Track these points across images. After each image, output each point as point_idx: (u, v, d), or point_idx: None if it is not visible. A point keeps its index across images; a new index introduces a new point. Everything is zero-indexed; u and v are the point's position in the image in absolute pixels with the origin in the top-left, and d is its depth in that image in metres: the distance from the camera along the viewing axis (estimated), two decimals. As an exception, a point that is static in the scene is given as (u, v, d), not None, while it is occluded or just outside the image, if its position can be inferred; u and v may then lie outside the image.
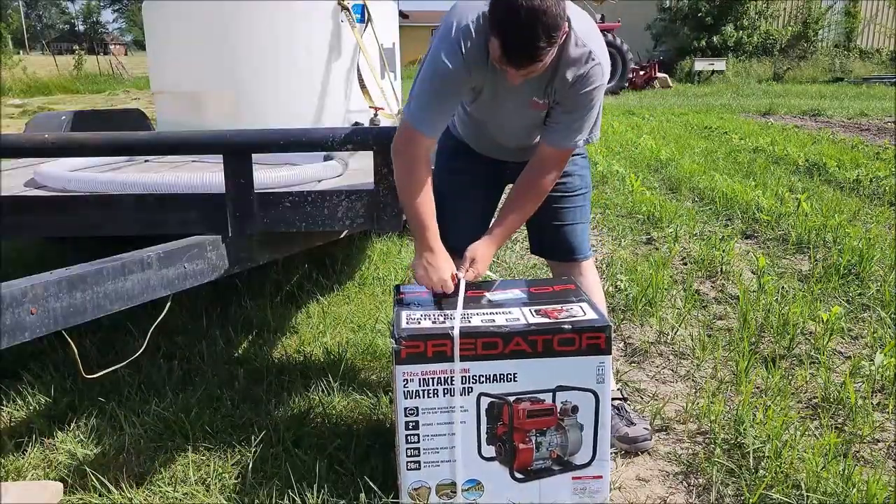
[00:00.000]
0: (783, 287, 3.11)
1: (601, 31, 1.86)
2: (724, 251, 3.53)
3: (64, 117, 3.52)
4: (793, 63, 22.64)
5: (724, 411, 2.06)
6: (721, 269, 3.40)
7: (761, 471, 1.76)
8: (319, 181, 2.24)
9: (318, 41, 3.02)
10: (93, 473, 1.75)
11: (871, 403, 2.08)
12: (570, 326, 1.51)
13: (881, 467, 1.80)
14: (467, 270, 1.78)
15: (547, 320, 1.54)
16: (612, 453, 1.78)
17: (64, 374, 2.30)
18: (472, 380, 1.51)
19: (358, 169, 2.45)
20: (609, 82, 1.84)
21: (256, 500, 1.66)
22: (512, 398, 1.53)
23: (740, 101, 13.90)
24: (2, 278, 1.43)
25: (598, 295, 2.09)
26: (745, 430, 1.91)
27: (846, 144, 7.40)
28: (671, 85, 19.02)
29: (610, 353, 1.54)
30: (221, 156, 1.85)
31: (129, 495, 1.70)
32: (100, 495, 1.70)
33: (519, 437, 1.55)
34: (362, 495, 1.61)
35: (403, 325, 1.53)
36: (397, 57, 3.74)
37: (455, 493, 1.57)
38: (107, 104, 13.92)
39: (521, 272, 3.45)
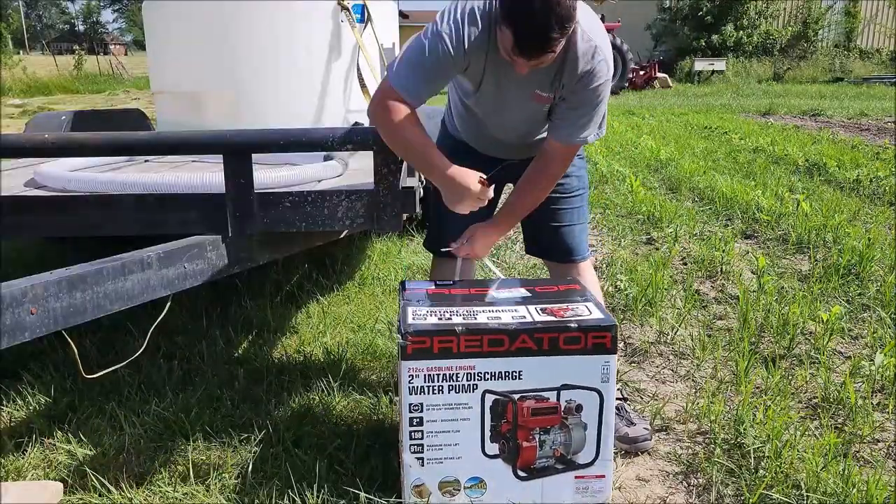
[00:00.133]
0: (783, 287, 3.11)
1: None
2: (724, 251, 3.53)
3: (64, 117, 3.52)
4: (793, 63, 22.65)
5: (724, 411, 2.05)
6: (721, 269, 3.40)
7: (761, 471, 1.76)
8: (319, 181, 2.24)
9: (318, 41, 3.01)
10: (93, 473, 1.75)
11: (871, 403, 2.08)
12: (576, 325, 1.51)
13: (881, 467, 1.80)
14: (462, 245, 1.80)
15: (553, 318, 1.54)
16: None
17: (64, 374, 2.30)
18: (477, 376, 1.51)
19: (358, 169, 2.45)
20: None
21: (256, 500, 1.66)
22: (516, 396, 1.53)
23: (740, 101, 13.91)
24: (2, 278, 1.43)
25: (597, 295, 2.09)
26: (745, 430, 1.91)
27: (846, 144, 7.40)
28: (671, 85, 19.04)
29: (615, 353, 1.54)
30: (221, 156, 1.84)
31: (129, 495, 1.69)
32: (100, 495, 1.70)
33: (523, 434, 1.55)
34: (362, 495, 1.61)
35: (410, 320, 1.53)
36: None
37: (458, 490, 1.57)
38: (107, 104, 13.92)
39: (522, 272, 3.45)
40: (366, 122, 3.06)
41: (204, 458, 1.85)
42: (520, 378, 1.52)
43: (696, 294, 3.08)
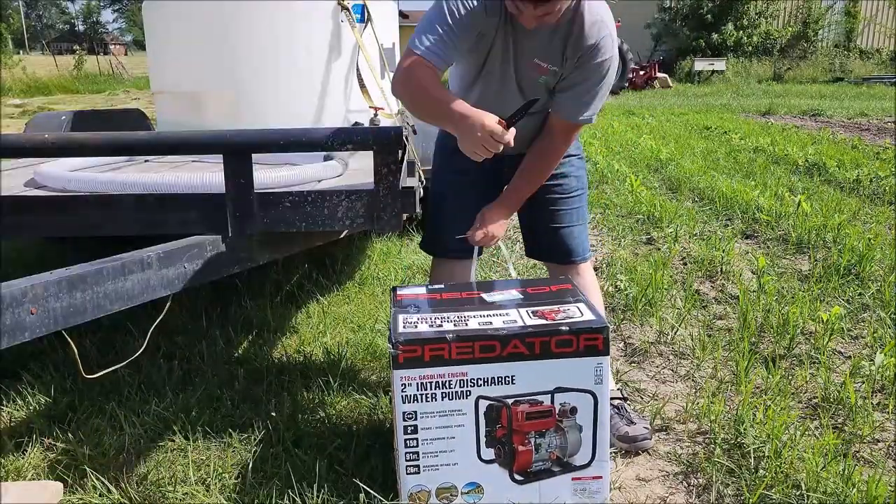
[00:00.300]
0: (783, 287, 3.11)
1: None
2: (724, 251, 3.53)
3: (64, 117, 3.52)
4: (793, 63, 22.65)
5: (724, 411, 2.05)
6: (721, 269, 3.40)
7: (761, 471, 1.76)
8: (319, 181, 2.24)
9: (318, 41, 3.01)
10: (93, 473, 1.75)
11: (871, 403, 2.08)
12: (567, 328, 1.50)
13: (881, 467, 1.80)
14: (476, 230, 1.83)
15: (544, 322, 1.53)
16: (611, 453, 1.78)
17: (64, 374, 2.30)
18: (470, 383, 1.51)
19: (358, 169, 2.45)
20: None
21: (256, 500, 1.66)
22: (510, 400, 1.53)
23: (740, 101, 13.91)
24: (2, 278, 1.43)
25: (595, 296, 2.09)
26: (745, 430, 1.91)
27: (846, 144, 7.40)
28: (671, 85, 19.04)
29: (608, 354, 1.53)
30: (221, 156, 1.85)
31: (129, 495, 1.69)
32: (100, 495, 1.70)
33: (518, 439, 1.55)
34: (362, 495, 1.61)
35: (400, 329, 1.53)
36: (397, 57, 3.74)
37: (455, 496, 1.57)
38: (107, 104, 13.92)
39: (522, 272, 3.45)
40: (366, 122, 3.07)
41: (204, 458, 1.85)
42: (513, 383, 1.52)
43: (696, 294, 3.08)
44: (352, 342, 2.56)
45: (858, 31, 24.64)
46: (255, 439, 1.91)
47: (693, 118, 10.56)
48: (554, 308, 1.61)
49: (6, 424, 2.06)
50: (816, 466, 1.73)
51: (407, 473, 1.55)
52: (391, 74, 3.47)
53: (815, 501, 1.64)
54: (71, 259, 1.63)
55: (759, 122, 10.09)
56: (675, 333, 2.66)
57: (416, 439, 1.53)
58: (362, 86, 3.03)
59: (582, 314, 1.57)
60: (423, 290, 1.80)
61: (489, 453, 1.56)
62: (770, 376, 2.25)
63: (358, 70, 3.07)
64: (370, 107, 3.06)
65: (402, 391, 1.50)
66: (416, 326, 1.54)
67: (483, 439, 1.55)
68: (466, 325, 1.53)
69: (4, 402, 2.15)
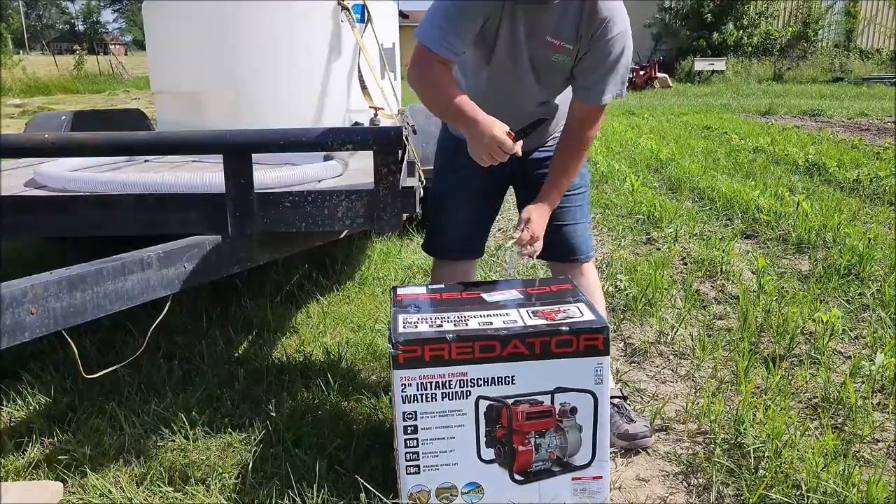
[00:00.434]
0: (783, 287, 3.11)
1: None
2: (724, 251, 3.53)
3: (64, 117, 3.52)
4: (793, 63, 22.66)
5: (724, 411, 2.05)
6: (721, 269, 3.40)
7: (761, 471, 1.76)
8: (319, 181, 2.24)
9: (318, 41, 3.01)
10: (93, 473, 1.75)
11: (871, 403, 2.08)
12: (567, 328, 1.50)
13: (881, 467, 1.80)
14: (523, 230, 1.82)
15: (544, 322, 1.53)
16: (612, 452, 1.78)
17: (64, 374, 2.30)
18: (470, 383, 1.51)
19: (358, 169, 2.45)
20: None
21: (256, 500, 1.66)
22: (510, 401, 1.53)
23: (740, 101, 13.92)
24: (2, 278, 1.43)
25: (598, 295, 2.09)
26: (745, 430, 1.91)
27: (846, 144, 7.40)
28: (671, 85, 19.05)
29: (608, 354, 1.53)
30: (221, 156, 1.85)
31: (129, 495, 1.70)
32: (100, 495, 1.70)
33: (518, 439, 1.55)
34: (362, 495, 1.61)
35: (400, 329, 1.53)
36: (397, 57, 3.74)
37: (455, 496, 1.57)
38: (107, 104, 13.93)
39: (522, 272, 3.45)
40: (366, 122, 3.07)
41: (204, 458, 1.85)
42: (513, 383, 1.52)
43: (696, 294, 3.08)
44: (352, 342, 2.56)
45: (858, 31, 24.65)
46: (255, 439, 1.91)
47: (693, 118, 10.56)
48: (554, 308, 1.61)
49: (6, 424, 2.06)
50: (816, 466, 1.73)
51: (407, 473, 1.55)
52: (391, 74, 3.48)
53: (815, 501, 1.64)
54: (71, 259, 1.63)
55: (759, 122, 10.09)
56: (675, 333, 2.66)
57: (416, 439, 1.53)
58: (364, 87, 3.03)
59: (582, 314, 1.57)
60: (423, 290, 1.80)
61: (489, 453, 1.56)
62: (770, 376, 2.25)
63: (360, 71, 3.07)
64: (370, 107, 3.06)
65: (402, 391, 1.50)
66: (416, 326, 1.53)
67: (483, 439, 1.55)
68: (466, 325, 1.53)
69: (4, 402, 2.15)
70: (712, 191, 5.01)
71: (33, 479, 1.78)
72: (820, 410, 2.08)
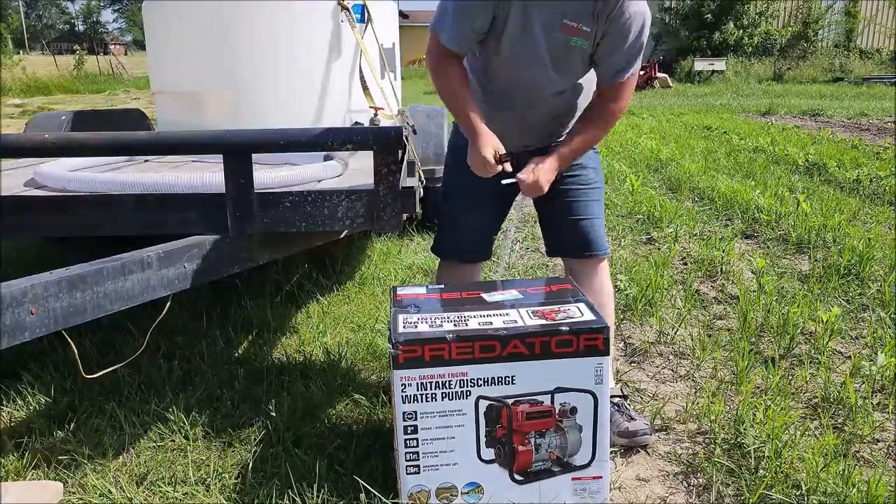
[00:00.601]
0: (783, 287, 3.11)
1: None
2: (724, 251, 3.53)
3: (64, 117, 3.52)
4: (793, 63, 22.65)
5: (724, 411, 2.05)
6: (721, 269, 3.40)
7: (761, 471, 1.76)
8: (319, 181, 2.24)
9: (318, 41, 3.02)
10: (93, 473, 1.75)
11: (871, 403, 2.08)
12: (567, 328, 1.50)
13: (881, 467, 1.80)
14: (529, 173, 1.82)
15: (544, 322, 1.53)
16: (612, 452, 1.78)
17: (64, 374, 2.30)
18: (470, 383, 1.51)
19: (358, 169, 2.45)
20: None
21: (256, 500, 1.66)
22: (510, 401, 1.53)
23: (740, 101, 13.92)
24: (2, 278, 1.43)
25: (608, 296, 2.07)
26: (745, 430, 1.91)
27: (846, 144, 7.40)
28: (671, 85, 19.04)
29: (608, 354, 1.53)
30: (221, 156, 1.85)
31: (129, 495, 1.70)
32: (100, 495, 1.70)
33: (518, 439, 1.55)
34: (362, 495, 1.61)
35: (400, 329, 1.53)
36: (397, 57, 3.74)
37: (455, 496, 1.57)
38: (107, 104, 13.92)
39: (522, 272, 3.45)
40: (366, 122, 3.07)
41: (204, 458, 1.85)
42: (513, 383, 1.52)
43: (696, 294, 3.08)
44: (352, 342, 2.56)
45: (858, 31, 24.64)
46: (255, 439, 1.91)
47: (693, 118, 10.56)
48: (554, 308, 1.61)
49: (6, 424, 2.06)
50: (816, 466, 1.73)
51: (407, 473, 1.55)
52: (391, 74, 3.48)
53: (815, 501, 1.64)
54: (71, 259, 1.63)
55: (759, 122, 10.09)
56: (675, 333, 2.66)
57: (416, 439, 1.53)
58: (365, 87, 3.03)
59: (582, 314, 1.57)
60: (423, 290, 1.80)
61: (489, 453, 1.56)
62: (770, 376, 2.25)
63: (361, 72, 3.07)
64: (370, 107, 3.06)
65: (402, 391, 1.50)
66: (416, 326, 1.53)
67: (483, 439, 1.55)
68: (466, 325, 1.53)
69: (4, 402, 2.15)
70: (712, 191, 5.00)
71: (33, 479, 1.78)
72: (820, 410, 2.08)
